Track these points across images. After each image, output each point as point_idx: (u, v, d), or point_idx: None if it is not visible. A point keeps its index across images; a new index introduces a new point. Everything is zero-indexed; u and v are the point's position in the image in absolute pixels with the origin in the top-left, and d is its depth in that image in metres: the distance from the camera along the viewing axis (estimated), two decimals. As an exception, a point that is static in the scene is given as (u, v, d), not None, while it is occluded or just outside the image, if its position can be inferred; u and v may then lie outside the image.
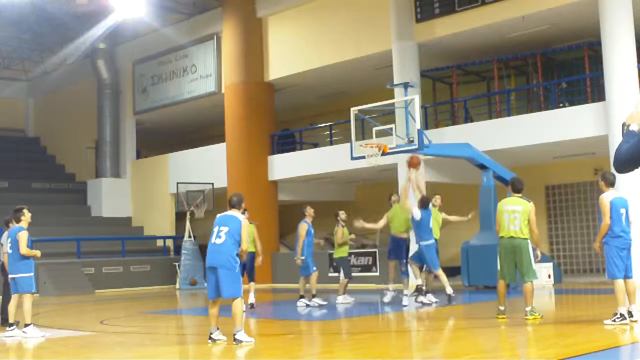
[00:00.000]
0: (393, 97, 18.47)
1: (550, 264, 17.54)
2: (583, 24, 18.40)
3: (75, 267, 23.00)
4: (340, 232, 14.27)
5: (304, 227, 13.91)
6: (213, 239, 8.79)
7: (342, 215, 14.43)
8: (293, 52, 23.05)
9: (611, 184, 9.44)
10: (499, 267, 10.25)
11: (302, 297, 14.11)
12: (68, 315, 15.37)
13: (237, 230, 8.72)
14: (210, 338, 8.81)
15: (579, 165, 20.75)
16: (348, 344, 9.39)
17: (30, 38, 28.42)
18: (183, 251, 23.31)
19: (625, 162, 4.01)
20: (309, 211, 14.03)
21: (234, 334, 8.58)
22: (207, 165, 25.29)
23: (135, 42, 27.83)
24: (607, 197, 9.31)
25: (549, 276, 17.17)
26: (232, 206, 9.03)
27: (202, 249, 18.03)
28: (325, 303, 13.92)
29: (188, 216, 23.58)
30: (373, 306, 14.24)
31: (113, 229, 26.80)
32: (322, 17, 22.28)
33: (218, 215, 9.10)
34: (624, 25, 16.40)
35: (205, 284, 9.85)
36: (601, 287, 16.68)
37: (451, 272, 14.96)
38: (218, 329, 8.85)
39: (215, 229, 8.84)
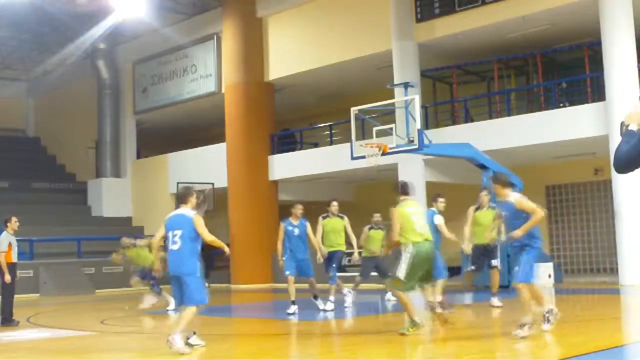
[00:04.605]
0: (393, 97, 18.48)
1: (551, 264, 17.54)
2: (583, 24, 18.40)
3: (75, 267, 23.00)
4: (365, 235, 13.95)
5: (280, 228, 12.86)
6: (170, 245, 8.28)
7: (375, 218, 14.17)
8: (293, 52, 23.04)
9: (508, 184, 8.56)
10: (403, 276, 8.61)
11: (315, 297, 13.05)
12: (68, 315, 15.36)
13: (191, 230, 8.20)
14: (187, 344, 8.17)
15: (579, 165, 20.73)
16: (348, 344, 9.38)
17: (30, 38, 28.44)
18: (183, 251, 23.23)
19: (626, 163, 3.96)
20: (295, 210, 12.74)
21: (170, 336, 7.97)
22: (207, 165, 25.28)
23: (135, 42, 27.83)
24: (524, 199, 8.42)
25: (549, 276, 17.16)
26: (180, 201, 8.47)
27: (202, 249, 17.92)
28: (293, 313, 12.64)
29: (188, 216, 23.52)
30: (373, 306, 14.22)
31: (113, 229, 26.76)
32: (322, 17, 22.28)
33: (167, 216, 8.54)
34: (624, 25, 16.40)
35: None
36: (602, 287, 16.70)
37: (451, 272, 14.89)
38: (195, 333, 8.39)
39: (170, 234, 8.25)
